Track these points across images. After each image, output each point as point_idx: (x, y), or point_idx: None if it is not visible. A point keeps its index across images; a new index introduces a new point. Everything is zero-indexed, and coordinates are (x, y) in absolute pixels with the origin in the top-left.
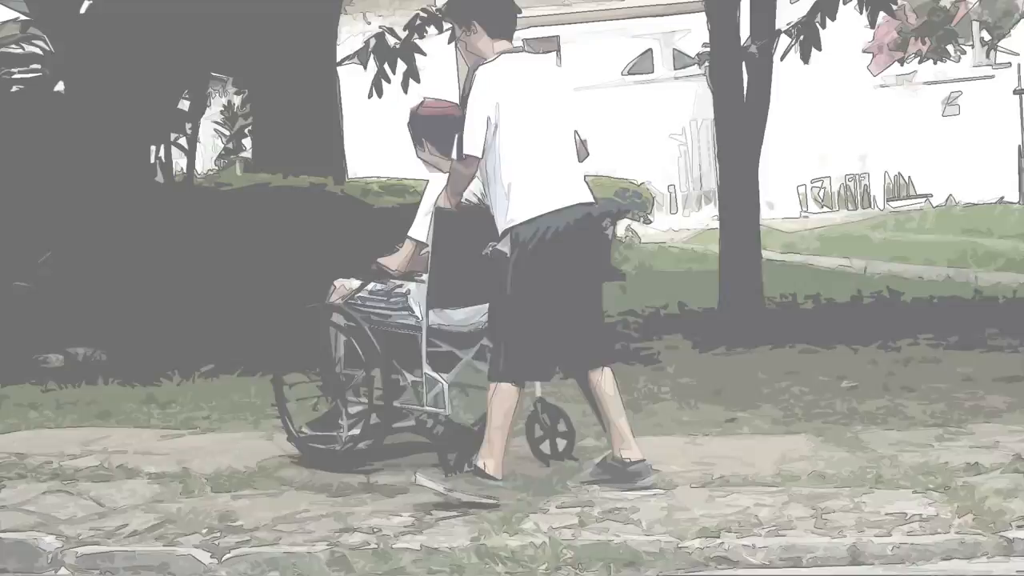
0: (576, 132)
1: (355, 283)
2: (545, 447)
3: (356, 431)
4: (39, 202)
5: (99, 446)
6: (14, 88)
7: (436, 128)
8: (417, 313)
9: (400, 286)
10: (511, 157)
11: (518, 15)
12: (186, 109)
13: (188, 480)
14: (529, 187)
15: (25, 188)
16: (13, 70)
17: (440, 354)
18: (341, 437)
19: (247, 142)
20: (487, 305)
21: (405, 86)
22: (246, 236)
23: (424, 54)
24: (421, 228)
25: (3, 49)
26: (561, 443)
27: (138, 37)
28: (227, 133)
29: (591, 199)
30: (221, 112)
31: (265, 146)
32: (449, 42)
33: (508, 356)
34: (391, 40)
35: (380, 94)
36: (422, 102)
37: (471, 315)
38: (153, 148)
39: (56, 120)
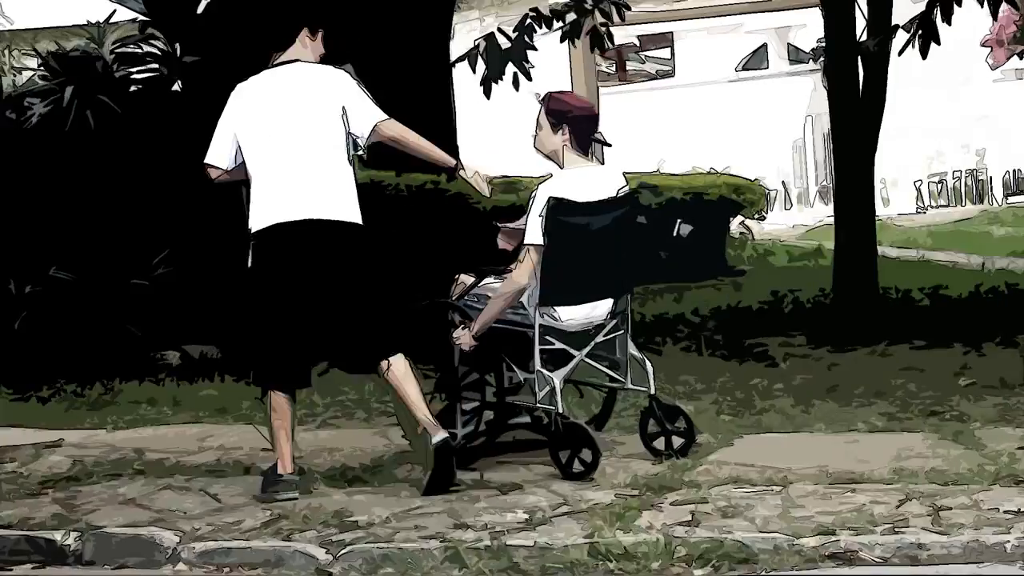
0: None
1: (471, 279)
2: (659, 444)
3: (470, 428)
4: (157, 201)
5: (215, 442)
6: (133, 88)
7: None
8: (530, 311)
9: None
10: (252, 170)
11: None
12: None
13: (303, 476)
14: (260, 200)
15: (143, 187)
16: (132, 70)
17: (553, 351)
18: (456, 434)
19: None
20: (600, 303)
21: (516, 84)
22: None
23: (535, 49)
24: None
25: (122, 49)
26: (678, 441)
27: (253, 35)
28: None
29: (329, 215)
30: None
31: (378, 143)
32: (561, 40)
33: (254, 363)
34: (501, 40)
35: (488, 96)
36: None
37: (584, 313)
38: None
39: (173, 119)
